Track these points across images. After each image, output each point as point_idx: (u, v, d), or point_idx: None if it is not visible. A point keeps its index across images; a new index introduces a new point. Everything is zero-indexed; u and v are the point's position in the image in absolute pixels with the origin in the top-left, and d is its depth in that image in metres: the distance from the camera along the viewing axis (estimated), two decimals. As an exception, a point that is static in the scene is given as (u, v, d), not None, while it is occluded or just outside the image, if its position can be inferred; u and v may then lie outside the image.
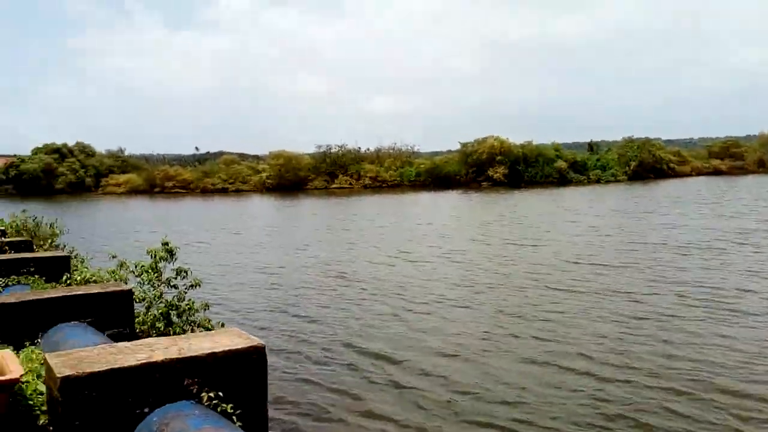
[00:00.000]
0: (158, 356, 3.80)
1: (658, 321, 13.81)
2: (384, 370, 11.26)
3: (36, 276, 7.65)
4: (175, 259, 7.63)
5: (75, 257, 9.90)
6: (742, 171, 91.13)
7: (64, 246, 13.16)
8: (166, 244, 7.61)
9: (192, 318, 7.41)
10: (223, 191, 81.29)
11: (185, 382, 3.84)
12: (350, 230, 34.73)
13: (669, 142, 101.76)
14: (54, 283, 7.62)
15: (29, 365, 4.35)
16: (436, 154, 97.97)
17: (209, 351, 3.97)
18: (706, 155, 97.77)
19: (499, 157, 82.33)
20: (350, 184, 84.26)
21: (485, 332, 13.45)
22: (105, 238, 30.08)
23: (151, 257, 7.50)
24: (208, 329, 7.52)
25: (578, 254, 23.30)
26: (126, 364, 3.64)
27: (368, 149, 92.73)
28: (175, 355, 3.83)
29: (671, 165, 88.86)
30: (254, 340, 4.25)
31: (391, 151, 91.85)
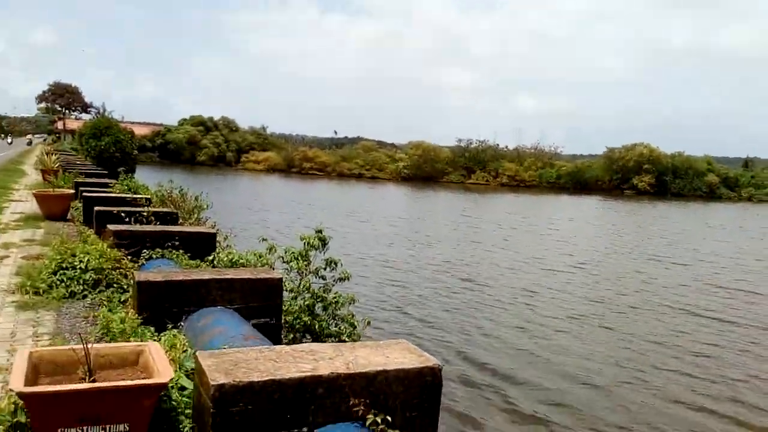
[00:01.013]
0: (323, 369, 3.18)
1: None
2: (504, 393, 9.96)
3: (180, 251, 7.34)
4: (327, 249, 7.12)
5: (218, 233, 9.66)
6: None
7: (206, 220, 13.06)
8: (320, 231, 7.11)
9: (337, 312, 6.87)
10: (359, 177, 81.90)
11: (351, 402, 3.22)
12: (482, 229, 33.59)
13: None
14: (198, 261, 7.30)
15: (172, 353, 3.86)
16: (576, 157, 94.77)
17: (380, 368, 3.32)
18: None
19: (646, 166, 79.22)
20: (487, 180, 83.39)
21: (624, 360, 11.96)
22: (243, 215, 30.67)
23: (304, 245, 7.01)
24: (353, 325, 6.96)
25: (728, 279, 21.27)
26: (288, 376, 3.05)
27: (506, 147, 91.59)
28: (342, 370, 3.21)
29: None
30: (429, 359, 3.56)
31: (532, 150, 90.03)
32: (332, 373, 3.18)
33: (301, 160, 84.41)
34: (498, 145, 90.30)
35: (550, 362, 11.55)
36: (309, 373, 3.12)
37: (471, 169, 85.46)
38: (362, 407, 3.23)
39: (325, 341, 6.54)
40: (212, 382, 2.85)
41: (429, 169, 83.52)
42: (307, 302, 6.59)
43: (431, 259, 22.29)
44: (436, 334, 12.92)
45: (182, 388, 3.55)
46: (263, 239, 7.50)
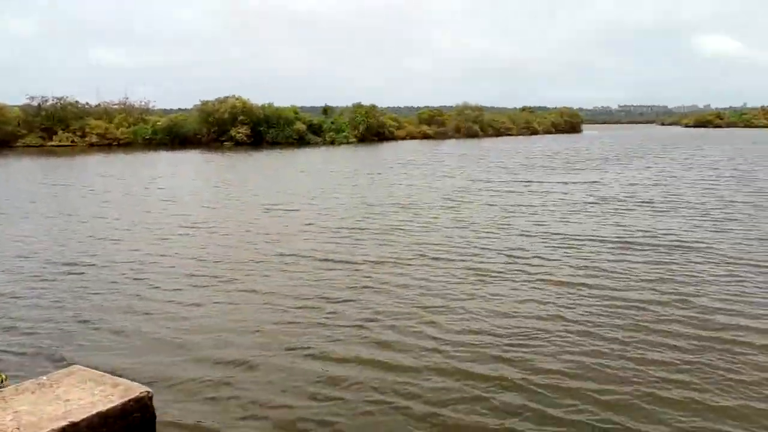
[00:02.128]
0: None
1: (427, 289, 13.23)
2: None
3: None
4: None
5: None
6: (445, 135, 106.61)
7: None
8: None
9: None
10: None
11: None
12: (71, 197, 29.57)
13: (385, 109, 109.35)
14: None
15: None
16: (170, 111, 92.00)
17: (64, 423, 1.92)
18: (417, 122, 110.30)
19: (241, 117, 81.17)
20: (73, 141, 75.61)
21: (254, 327, 10.99)
22: None
23: None
24: None
25: (327, 217, 22.63)
26: None
27: (87, 103, 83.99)
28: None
29: (391, 129, 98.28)
30: (132, 388, 2.79)
31: (121, 106, 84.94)
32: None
33: None
34: (78, 101, 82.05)
35: (186, 347, 9.99)
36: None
37: (52, 129, 76.39)
38: None
39: None
40: None
41: (-4, 133, 71.25)
42: None
43: (13, 240, 18.47)
44: (33, 340, 10.22)
45: None
46: None
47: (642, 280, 13.20)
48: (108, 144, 76.14)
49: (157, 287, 13.47)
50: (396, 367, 9.00)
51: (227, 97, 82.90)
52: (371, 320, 11.05)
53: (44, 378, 2.39)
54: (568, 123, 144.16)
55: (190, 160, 56.80)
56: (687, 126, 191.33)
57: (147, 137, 79.25)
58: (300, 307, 11.89)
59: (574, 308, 11.41)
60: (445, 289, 12.85)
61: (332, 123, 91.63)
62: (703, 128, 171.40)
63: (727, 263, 14.67)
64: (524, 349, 9.49)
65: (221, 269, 14.96)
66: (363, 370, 8.92)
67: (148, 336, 10.48)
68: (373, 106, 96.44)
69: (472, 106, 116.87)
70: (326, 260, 15.70)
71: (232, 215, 23.48)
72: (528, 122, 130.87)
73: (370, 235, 19.06)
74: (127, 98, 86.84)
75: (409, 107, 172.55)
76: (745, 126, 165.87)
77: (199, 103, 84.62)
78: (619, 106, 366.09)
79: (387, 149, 72.85)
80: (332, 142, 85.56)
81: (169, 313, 11.70)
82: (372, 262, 15.44)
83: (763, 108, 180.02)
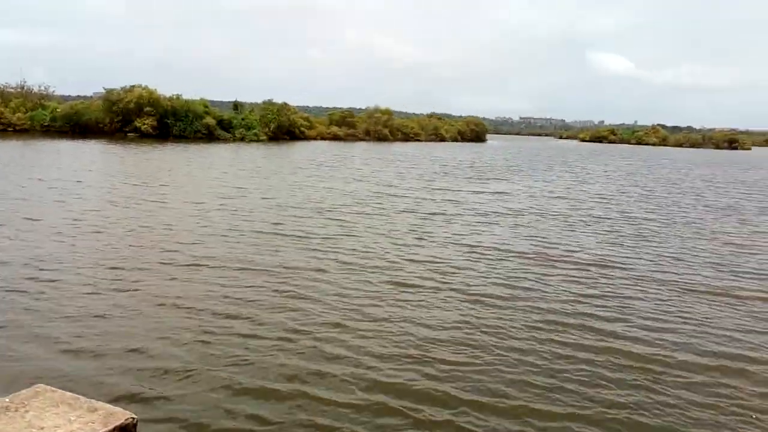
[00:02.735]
0: None
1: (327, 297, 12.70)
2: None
3: None
4: None
5: None
6: (355, 137, 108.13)
7: None
8: None
9: None
10: None
11: None
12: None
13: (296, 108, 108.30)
14: None
15: None
16: (70, 98, 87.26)
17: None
18: (328, 122, 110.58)
19: (147, 108, 78.22)
20: (-35, 125, 71.41)
21: (160, 347, 10.20)
22: None
23: None
24: None
25: (240, 220, 21.71)
26: None
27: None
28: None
29: (302, 129, 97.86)
30: (114, 414, 2.12)
31: (19, 90, 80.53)
32: None
33: None
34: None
35: (89, 371, 9.10)
36: None
37: (-60, 111, 71.81)
38: None
39: None
40: None
41: None
42: None
43: None
44: None
45: None
46: None
47: (564, 301, 13.16)
48: (2, 129, 72.20)
49: (55, 290, 12.34)
50: (318, 398, 8.35)
51: (133, 86, 79.91)
52: (289, 340, 10.38)
53: (6, 399, 1.96)
54: (474, 132, 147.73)
55: (92, 150, 53.79)
56: (584, 140, 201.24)
57: (45, 124, 75.65)
58: (212, 320, 11.12)
59: (503, 329, 11.17)
60: (366, 306, 12.34)
61: (243, 119, 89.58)
62: (599, 143, 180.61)
63: (643, 283, 14.96)
64: (453, 380, 9.03)
65: (127, 274, 13.84)
66: (284, 402, 8.25)
67: (46, 351, 9.41)
68: (285, 104, 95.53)
69: (382, 109, 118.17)
70: (242, 269, 14.81)
71: (136, 213, 22.05)
72: (436, 129, 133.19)
73: (285, 241, 18.32)
74: (24, 82, 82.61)
75: (319, 107, 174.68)
76: (637, 143, 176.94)
77: (101, 90, 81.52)
78: (521, 118, 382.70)
79: (299, 149, 72.14)
80: (242, 139, 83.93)
81: (69, 326, 10.55)
82: (290, 271, 14.74)
83: (653, 127, 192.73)
